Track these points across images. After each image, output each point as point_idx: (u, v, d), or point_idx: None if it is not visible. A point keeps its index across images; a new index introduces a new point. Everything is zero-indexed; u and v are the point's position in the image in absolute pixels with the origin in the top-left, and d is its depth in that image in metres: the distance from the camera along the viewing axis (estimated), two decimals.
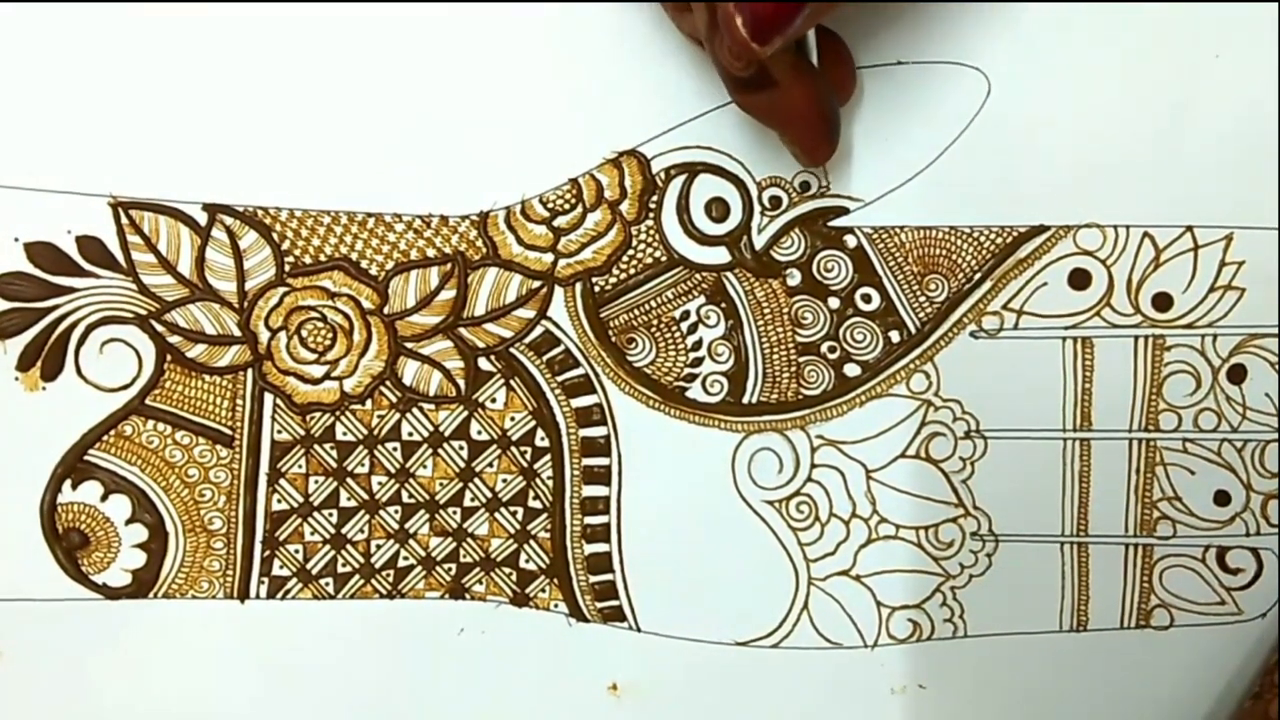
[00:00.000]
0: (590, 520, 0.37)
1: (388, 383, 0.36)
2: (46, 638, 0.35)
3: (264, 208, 0.35)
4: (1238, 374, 0.37)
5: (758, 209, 0.36)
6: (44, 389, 0.34)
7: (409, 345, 0.36)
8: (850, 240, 0.36)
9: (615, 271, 0.36)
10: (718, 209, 0.36)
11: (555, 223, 0.36)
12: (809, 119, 0.32)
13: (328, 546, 0.36)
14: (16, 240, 0.34)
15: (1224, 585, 0.39)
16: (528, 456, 0.37)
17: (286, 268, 0.35)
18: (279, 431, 0.36)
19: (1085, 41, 0.36)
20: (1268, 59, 0.36)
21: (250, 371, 0.35)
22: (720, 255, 0.36)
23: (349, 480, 0.36)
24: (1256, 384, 0.37)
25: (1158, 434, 0.38)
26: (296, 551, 0.36)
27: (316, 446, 0.36)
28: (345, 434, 0.36)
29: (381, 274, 0.35)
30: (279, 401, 0.35)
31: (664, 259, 0.36)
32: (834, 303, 0.37)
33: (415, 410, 0.36)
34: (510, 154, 0.35)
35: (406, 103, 0.35)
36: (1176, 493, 0.38)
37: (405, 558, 0.37)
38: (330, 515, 0.36)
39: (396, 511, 0.36)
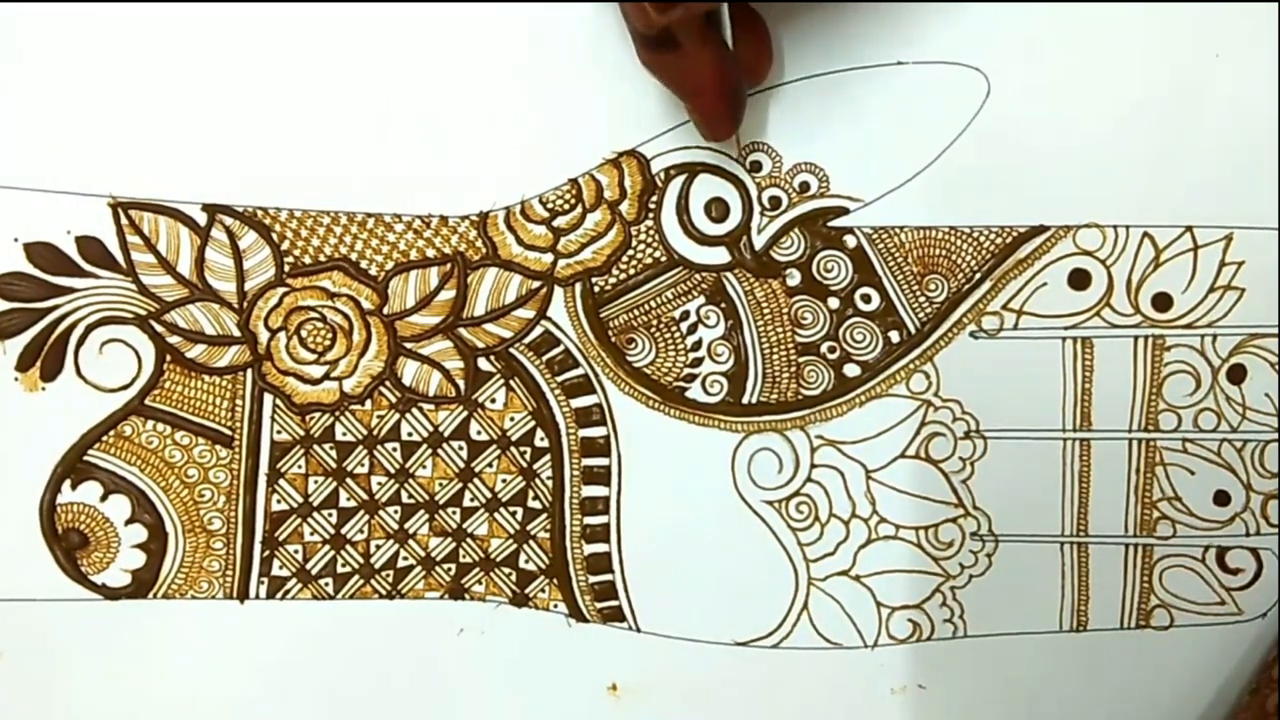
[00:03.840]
0: (590, 520, 0.37)
1: (387, 383, 0.36)
2: (46, 638, 0.35)
3: (263, 208, 0.35)
4: (1238, 374, 0.37)
5: (757, 209, 0.36)
6: (44, 389, 0.34)
7: (409, 345, 0.36)
8: (850, 240, 0.36)
9: (615, 272, 0.36)
10: (717, 209, 0.36)
11: (555, 223, 0.36)
12: (710, 90, 0.32)
13: (327, 547, 0.36)
14: (16, 240, 0.34)
15: (1224, 585, 0.39)
16: (527, 457, 0.37)
17: (286, 268, 0.35)
18: (279, 432, 0.36)
19: (1085, 42, 0.35)
20: (1268, 59, 0.36)
21: (250, 372, 0.35)
22: (720, 255, 0.36)
23: (348, 480, 0.36)
24: (1256, 384, 0.37)
25: (1158, 434, 0.38)
26: (296, 552, 0.36)
27: (316, 447, 0.36)
28: (345, 434, 0.36)
29: (381, 274, 0.35)
30: (279, 402, 0.35)
31: (664, 259, 0.36)
32: (834, 303, 0.37)
33: (415, 410, 0.36)
34: (510, 154, 0.35)
35: (405, 103, 0.35)
36: (1176, 493, 0.38)
37: (405, 558, 0.37)
38: (330, 515, 0.36)
39: (396, 512, 0.36)
